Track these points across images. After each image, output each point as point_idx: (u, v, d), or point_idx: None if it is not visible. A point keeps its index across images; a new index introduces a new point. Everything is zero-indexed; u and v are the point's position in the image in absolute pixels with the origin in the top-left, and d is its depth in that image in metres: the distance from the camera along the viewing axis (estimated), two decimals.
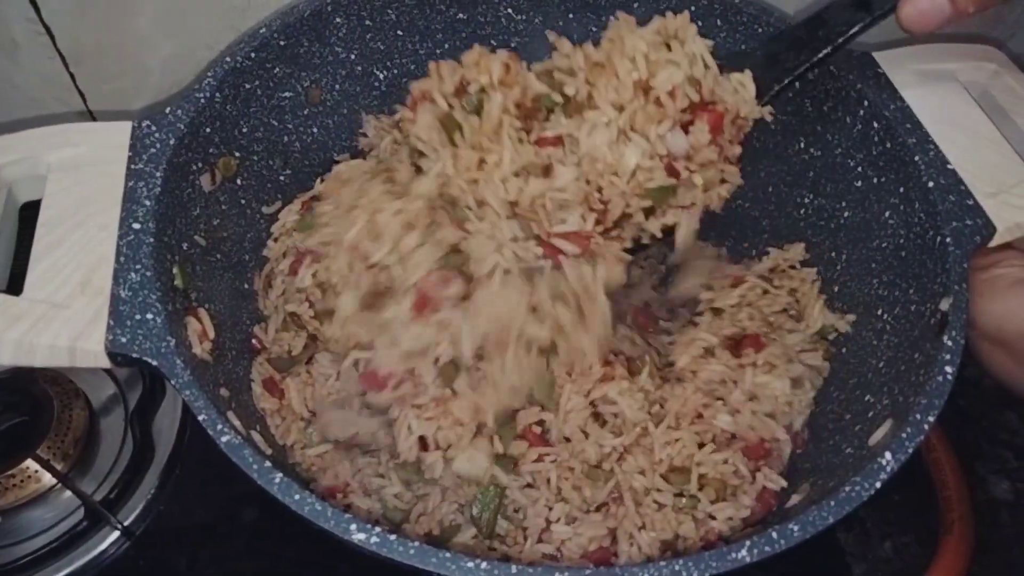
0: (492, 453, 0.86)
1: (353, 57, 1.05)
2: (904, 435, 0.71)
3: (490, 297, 0.84)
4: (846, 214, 0.97)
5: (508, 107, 0.84)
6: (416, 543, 0.62)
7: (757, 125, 0.86)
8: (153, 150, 0.84)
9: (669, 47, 0.81)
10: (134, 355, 0.73)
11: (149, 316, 0.74)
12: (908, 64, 0.95)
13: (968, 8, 0.76)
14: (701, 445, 0.89)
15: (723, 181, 0.87)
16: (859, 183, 0.94)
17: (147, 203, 0.81)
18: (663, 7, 0.94)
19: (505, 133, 0.83)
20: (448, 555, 0.62)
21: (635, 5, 1.04)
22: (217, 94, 0.91)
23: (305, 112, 1.03)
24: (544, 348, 0.86)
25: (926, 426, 0.71)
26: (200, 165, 0.90)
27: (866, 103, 0.92)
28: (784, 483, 0.86)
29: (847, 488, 0.68)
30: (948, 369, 0.74)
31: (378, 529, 0.63)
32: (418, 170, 0.89)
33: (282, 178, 1.03)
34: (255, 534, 0.98)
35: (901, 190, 0.89)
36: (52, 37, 1.07)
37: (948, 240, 0.81)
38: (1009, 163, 0.87)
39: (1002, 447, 1.16)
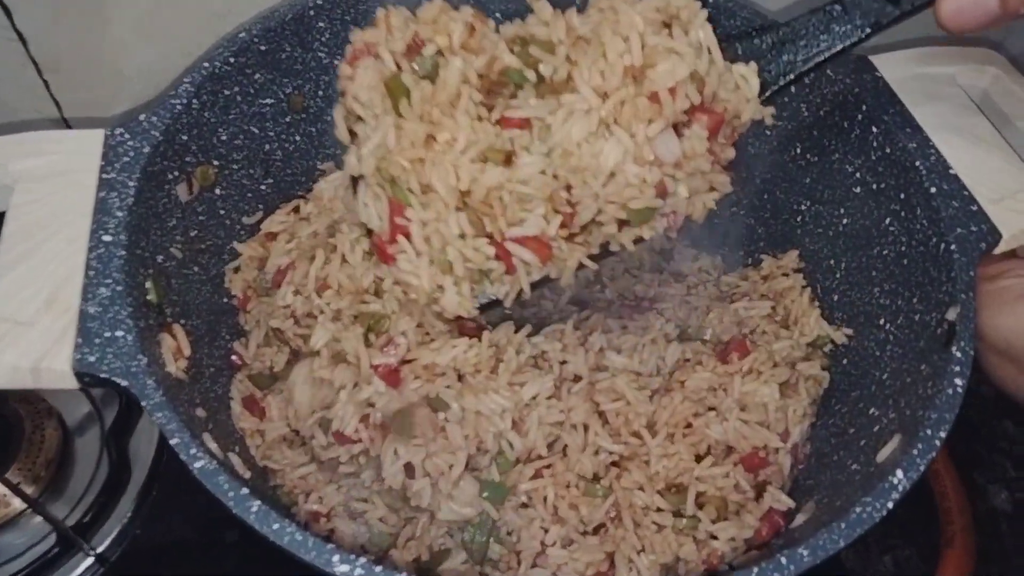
0: (481, 488, 0.79)
1: (337, 62, 0.99)
2: (915, 452, 0.66)
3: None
4: (845, 221, 0.92)
5: (469, 77, 0.71)
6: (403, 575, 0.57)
7: (754, 126, 0.81)
8: (127, 159, 0.79)
9: (670, 29, 0.72)
10: (103, 375, 0.67)
11: (119, 333, 0.69)
12: (906, 67, 0.91)
13: (1020, 8, 0.66)
14: (698, 458, 0.84)
15: (711, 189, 0.78)
16: (858, 189, 0.90)
17: (119, 214, 0.76)
18: None
19: (463, 107, 0.71)
20: None
21: None
22: (195, 100, 0.86)
23: (287, 119, 0.98)
24: None
25: (937, 442, 0.67)
26: (176, 174, 0.85)
27: (864, 107, 0.88)
28: (791, 503, 0.81)
29: (857, 509, 0.64)
30: (958, 382, 0.70)
31: (363, 560, 0.58)
32: (352, 137, 0.77)
33: (263, 187, 0.98)
34: (238, 557, 0.93)
35: (902, 196, 0.85)
36: (25, 43, 1.01)
37: (953, 247, 0.77)
38: (1012, 168, 0.84)
39: (1001, 455, 1.12)
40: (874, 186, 0.88)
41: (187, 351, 0.78)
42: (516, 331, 0.86)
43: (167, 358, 0.75)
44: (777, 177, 1.01)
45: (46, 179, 0.77)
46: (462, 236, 0.73)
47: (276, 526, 0.60)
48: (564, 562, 0.78)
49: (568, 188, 0.72)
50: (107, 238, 0.74)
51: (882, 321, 0.85)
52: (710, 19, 0.74)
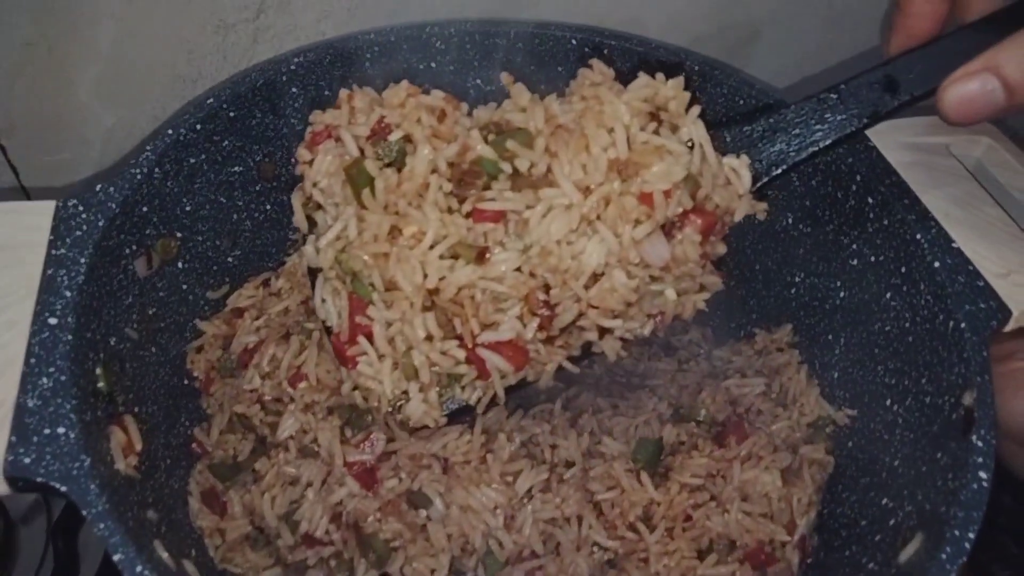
0: None
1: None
2: (944, 556, 0.59)
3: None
4: (842, 294, 0.87)
5: (438, 166, 0.66)
6: None
7: None
8: (79, 232, 0.72)
9: (658, 122, 0.69)
10: (39, 479, 0.59)
11: (61, 430, 0.61)
12: (898, 137, 0.87)
13: None
14: (700, 554, 0.77)
15: (701, 289, 0.73)
16: (855, 261, 0.85)
17: (67, 294, 0.68)
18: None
19: (431, 198, 0.65)
20: None
21: None
22: (157, 169, 0.79)
23: (257, 188, 0.92)
24: None
25: (967, 544, 0.60)
26: (135, 248, 0.77)
27: (858, 177, 0.84)
28: None
29: None
30: (983, 475, 0.63)
31: None
32: (311, 225, 0.71)
33: (230, 259, 0.91)
34: None
35: (903, 270, 0.80)
36: None
37: (963, 325, 0.72)
38: (1014, 240, 0.79)
39: (1000, 532, 1.06)
40: (872, 259, 0.83)
41: (139, 445, 0.69)
42: (508, 416, 0.78)
43: (116, 455, 0.67)
44: (768, 247, 0.95)
45: None
46: (429, 338, 0.67)
47: None
48: None
49: (547, 288, 0.67)
50: (53, 321, 0.66)
51: (888, 402, 0.79)
52: (695, 92, 0.70)
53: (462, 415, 0.73)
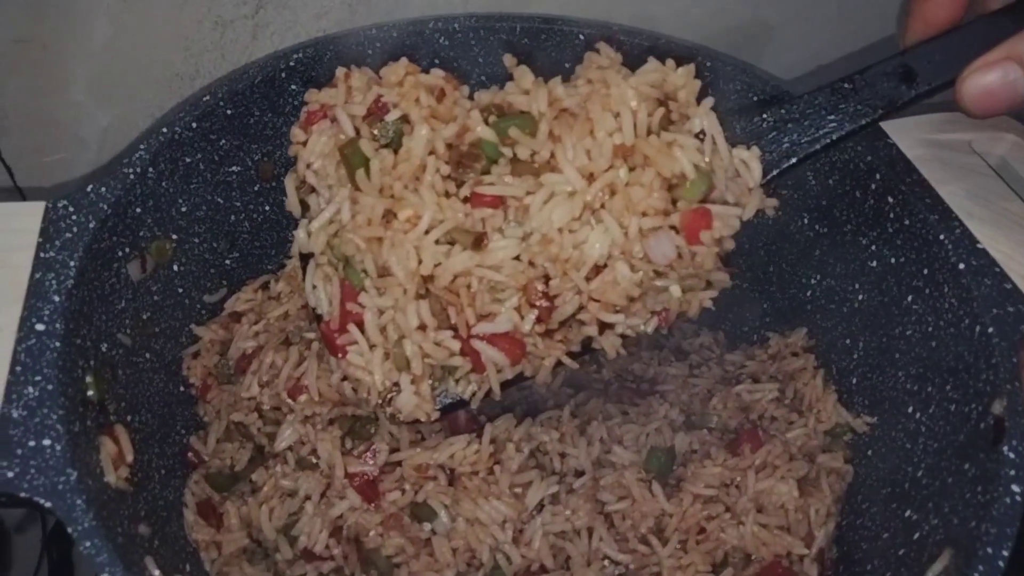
0: None
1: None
2: (975, 575, 0.56)
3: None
4: (860, 297, 0.84)
5: (436, 147, 0.63)
6: None
7: None
8: (69, 235, 0.69)
9: (666, 107, 0.65)
10: (22, 494, 0.56)
11: (46, 442, 0.58)
12: (918, 134, 0.84)
13: None
14: (715, 568, 0.73)
15: (708, 286, 0.69)
16: (874, 263, 0.82)
17: (56, 299, 0.65)
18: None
19: (428, 181, 0.63)
20: None
21: None
22: (151, 169, 0.76)
23: (255, 188, 0.88)
24: None
25: (1000, 562, 0.57)
26: (127, 251, 0.74)
27: (878, 176, 0.80)
28: None
29: None
30: (1016, 489, 0.60)
31: None
32: (304, 209, 0.68)
33: (228, 262, 0.87)
34: None
35: (925, 272, 0.76)
36: None
37: (991, 330, 0.68)
38: None
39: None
40: (892, 260, 0.80)
41: (130, 456, 0.66)
42: (518, 423, 0.75)
43: (106, 467, 0.63)
44: (783, 249, 0.92)
45: None
46: (422, 328, 0.63)
47: None
48: None
49: (546, 279, 0.64)
50: (40, 327, 0.63)
51: (910, 409, 0.76)
52: (706, 84, 0.67)
53: (456, 409, 0.70)
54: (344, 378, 0.68)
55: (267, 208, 0.90)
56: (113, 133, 0.99)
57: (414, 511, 0.68)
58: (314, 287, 0.67)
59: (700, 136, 0.64)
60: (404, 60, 0.67)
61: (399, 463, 0.70)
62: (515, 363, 0.66)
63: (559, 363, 0.69)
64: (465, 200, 0.64)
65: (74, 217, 0.70)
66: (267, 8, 0.95)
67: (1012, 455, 0.62)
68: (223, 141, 0.83)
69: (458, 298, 0.63)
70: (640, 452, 0.78)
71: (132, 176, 0.74)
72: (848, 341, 0.85)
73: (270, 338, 0.79)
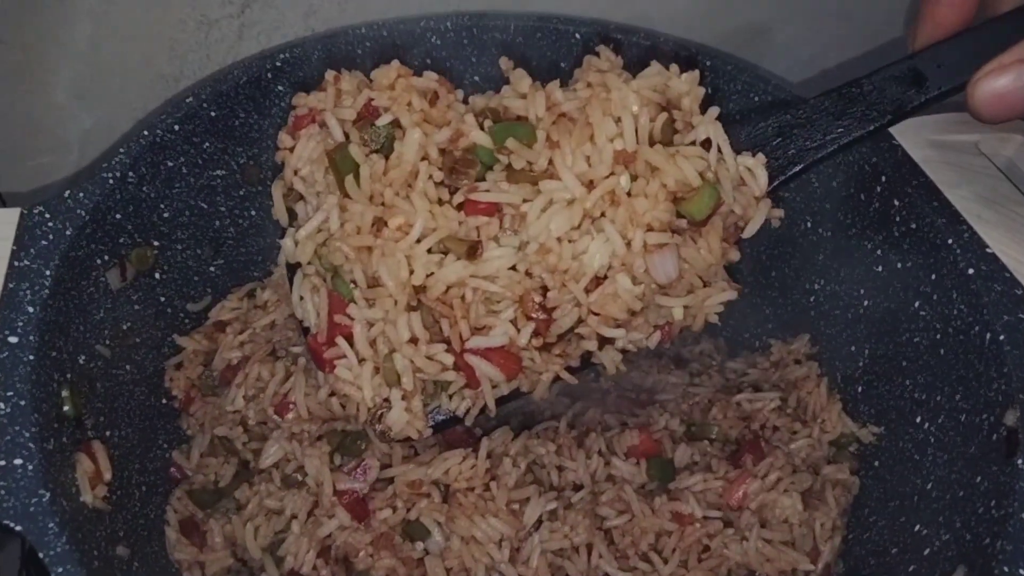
0: None
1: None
2: None
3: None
4: (866, 303, 0.81)
5: (429, 152, 0.61)
6: None
7: None
8: (44, 242, 0.66)
9: (670, 116, 0.63)
10: None
11: (18, 461, 0.55)
12: (924, 135, 0.81)
13: None
14: None
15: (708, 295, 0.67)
16: (879, 268, 0.79)
17: (30, 309, 0.62)
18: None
19: (420, 187, 0.60)
20: None
21: None
22: (131, 173, 0.73)
23: (241, 192, 0.86)
24: None
25: None
26: (107, 258, 0.72)
27: (883, 178, 0.78)
28: None
29: None
30: None
31: None
32: (292, 217, 0.66)
33: (212, 269, 0.85)
34: None
35: (933, 277, 0.74)
36: None
37: (1002, 338, 0.66)
38: None
39: None
40: (899, 265, 0.78)
41: (108, 474, 0.63)
42: (514, 436, 0.72)
43: (82, 485, 0.60)
44: (785, 253, 0.90)
45: None
46: (413, 341, 0.61)
47: None
48: None
49: (544, 290, 0.61)
50: (13, 339, 0.61)
51: (918, 419, 0.73)
52: (709, 90, 0.66)
53: (449, 426, 0.67)
54: (332, 394, 0.65)
55: (253, 213, 0.87)
56: (96, 136, 0.97)
57: (406, 530, 0.66)
58: (301, 298, 0.65)
59: (705, 145, 0.62)
60: (396, 62, 0.65)
61: (391, 479, 0.68)
62: (511, 378, 0.64)
63: (557, 377, 0.67)
64: (459, 208, 0.62)
65: (50, 224, 0.67)
66: (253, 7, 0.92)
67: None
68: (207, 144, 0.81)
69: (451, 310, 0.61)
70: (639, 464, 0.75)
71: (111, 181, 0.72)
72: (853, 348, 0.83)
73: (256, 349, 0.77)
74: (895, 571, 0.67)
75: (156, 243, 0.77)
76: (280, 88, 0.84)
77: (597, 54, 0.66)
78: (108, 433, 0.67)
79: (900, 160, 0.79)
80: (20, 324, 0.61)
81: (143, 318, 0.76)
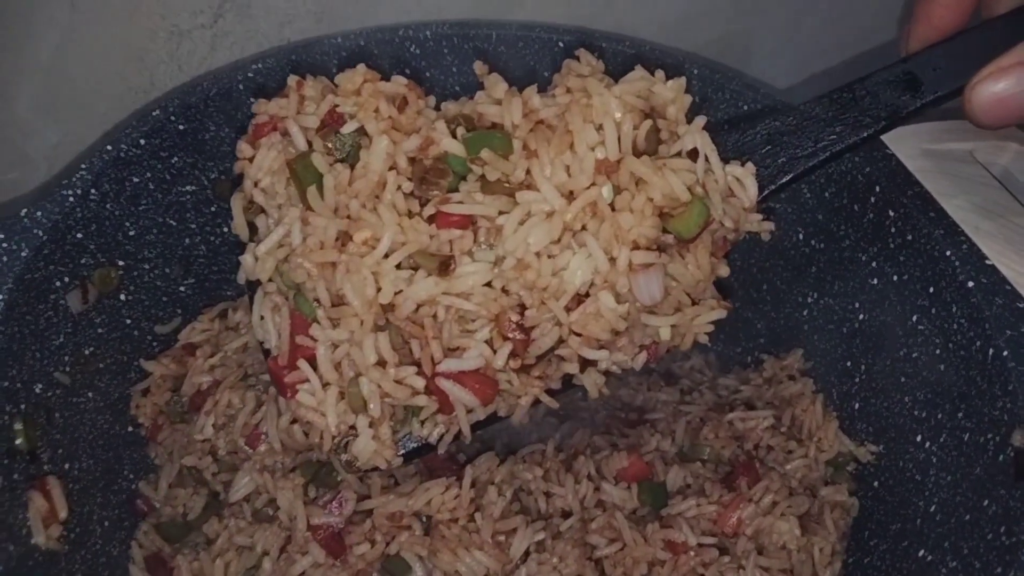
0: None
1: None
2: None
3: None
4: (861, 317, 0.78)
5: (397, 162, 0.57)
6: None
7: None
8: None
9: (654, 122, 0.59)
10: None
11: None
12: (917, 143, 0.79)
13: None
14: None
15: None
16: (875, 281, 0.76)
17: None
18: None
19: (388, 199, 0.56)
20: None
21: None
22: (93, 191, 0.69)
23: (212, 209, 0.81)
24: None
25: None
26: (66, 280, 0.67)
27: (877, 189, 0.75)
28: None
29: None
30: None
31: None
32: (252, 232, 0.62)
33: (182, 289, 0.80)
34: None
35: (931, 290, 0.70)
36: None
37: (1006, 353, 0.62)
38: None
39: None
40: (895, 278, 0.74)
41: (63, 512, 0.59)
42: (500, 461, 0.68)
43: (34, 526, 0.56)
44: (776, 265, 0.86)
45: None
46: (381, 364, 0.57)
47: None
48: None
49: (521, 309, 0.57)
50: None
51: (919, 438, 0.70)
52: (695, 98, 0.62)
53: (421, 455, 0.63)
54: (294, 421, 0.61)
55: (225, 230, 0.82)
56: (65, 151, 0.92)
57: (386, 566, 0.61)
58: (261, 318, 0.60)
59: (691, 155, 0.58)
60: (361, 66, 0.61)
61: (369, 512, 0.63)
62: (487, 403, 0.60)
63: (536, 401, 0.62)
64: (430, 220, 0.57)
65: (4, 245, 0.63)
66: (227, 17, 0.88)
67: None
68: (175, 159, 0.76)
69: (422, 330, 0.57)
70: (630, 488, 0.71)
71: (72, 199, 0.67)
72: (849, 364, 0.79)
73: (227, 373, 0.72)
74: None
75: (121, 263, 0.73)
76: (253, 100, 0.79)
77: (577, 57, 0.62)
78: (67, 466, 0.63)
79: (894, 170, 0.75)
80: None
81: (107, 342, 0.71)
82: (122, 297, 0.73)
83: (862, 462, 0.76)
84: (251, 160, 0.60)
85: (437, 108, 0.61)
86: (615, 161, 0.57)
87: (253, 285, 0.62)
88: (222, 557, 0.64)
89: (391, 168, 0.57)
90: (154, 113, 0.74)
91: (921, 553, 0.64)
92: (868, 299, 0.77)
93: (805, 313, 0.84)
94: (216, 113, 0.78)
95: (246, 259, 0.60)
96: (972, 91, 0.58)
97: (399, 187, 0.57)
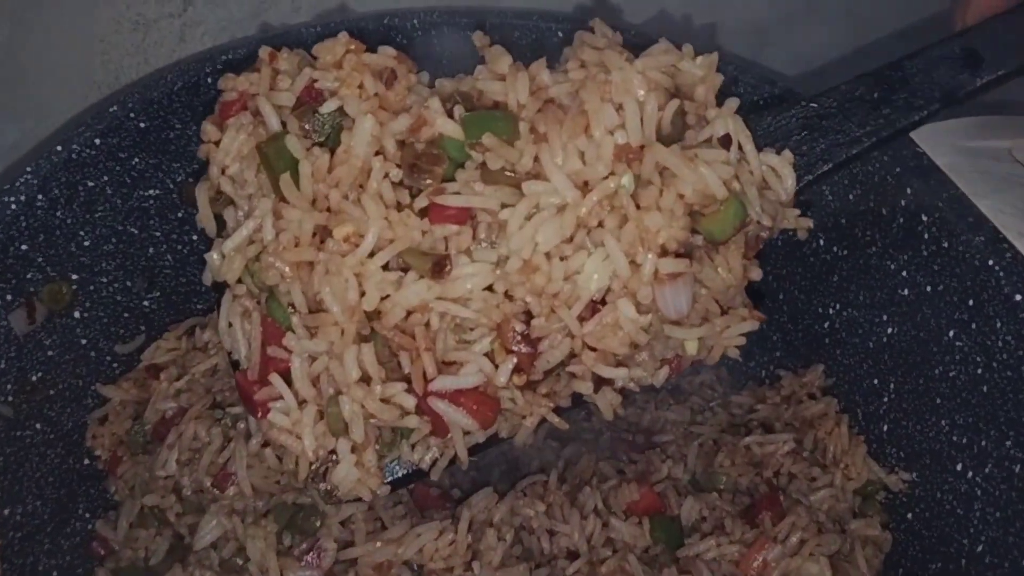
0: None
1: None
2: None
3: None
4: (890, 330, 0.70)
5: (385, 146, 0.50)
6: None
7: None
8: None
9: (681, 103, 0.51)
10: None
11: None
12: (951, 141, 0.71)
13: None
14: None
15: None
16: (905, 291, 0.68)
17: None
18: None
19: (374, 188, 0.49)
20: None
21: None
22: (40, 197, 0.61)
23: (179, 215, 0.73)
24: None
25: None
26: (8, 298, 0.59)
27: (909, 191, 0.67)
28: None
29: None
30: None
31: None
32: (220, 226, 0.54)
33: (146, 303, 0.72)
34: None
35: (971, 303, 0.63)
36: None
37: None
38: None
39: None
40: (928, 288, 0.67)
41: None
42: (499, 498, 0.61)
43: None
44: (794, 273, 0.79)
45: None
46: (365, 380, 0.49)
47: None
48: None
49: (527, 317, 0.50)
50: None
51: (959, 467, 0.62)
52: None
53: (411, 482, 0.56)
54: (265, 444, 0.53)
55: (194, 238, 0.74)
56: (22, 151, 0.84)
57: None
58: (229, 325, 0.53)
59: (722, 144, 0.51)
60: (344, 35, 0.52)
61: (353, 561, 0.55)
62: (486, 426, 0.53)
63: (542, 420, 0.55)
64: (422, 214, 0.50)
65: None
66: (197, 5, 0.80)
67: None
68: (136, 160, 0.68)
69: (413, 341, 0.49)
70: (641, 524, 0.64)
71: (15, 206, 0.59)
72: (876, 381, 0.72)
73: (194, 399, 0.64)
74: None
75: (75, 276, 0.65)
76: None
77: (591, 28, 0.54)
78: (7, 511, 0.54)
79: (926, 169, 0.68)
80: None
81: (58, 366, 0.63)
82: (76, 315, 0.65)
83: (893, 491, 0.68)
84: (217, 144, 0.51)
85: (431, 85, 0.54)
86: (637, 147, 0.49)
87: (221, 287, 0.54)
88: None
89: (377, 153, 0.50)
90: (111, 109, 0.66)
91: None
92: (898, 311, 0.70)
93: (826, 325, 0.77)
94: (182, 109, 0.69)
95: (211, 257, 0.52)
96: None
97: (386, 175, 0.49)
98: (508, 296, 0.50)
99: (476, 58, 0.74)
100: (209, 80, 0.70)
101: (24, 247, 0.60)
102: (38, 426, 0.61)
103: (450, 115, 0.50)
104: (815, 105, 0.58)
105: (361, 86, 0.50)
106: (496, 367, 0.50)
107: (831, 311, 0.76)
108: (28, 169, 0.61)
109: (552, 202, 0.49)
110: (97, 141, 0.65)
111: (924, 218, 0.67)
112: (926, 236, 0.67)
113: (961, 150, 0.71)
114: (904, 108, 0.56)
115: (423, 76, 0.54)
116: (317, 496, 0.53)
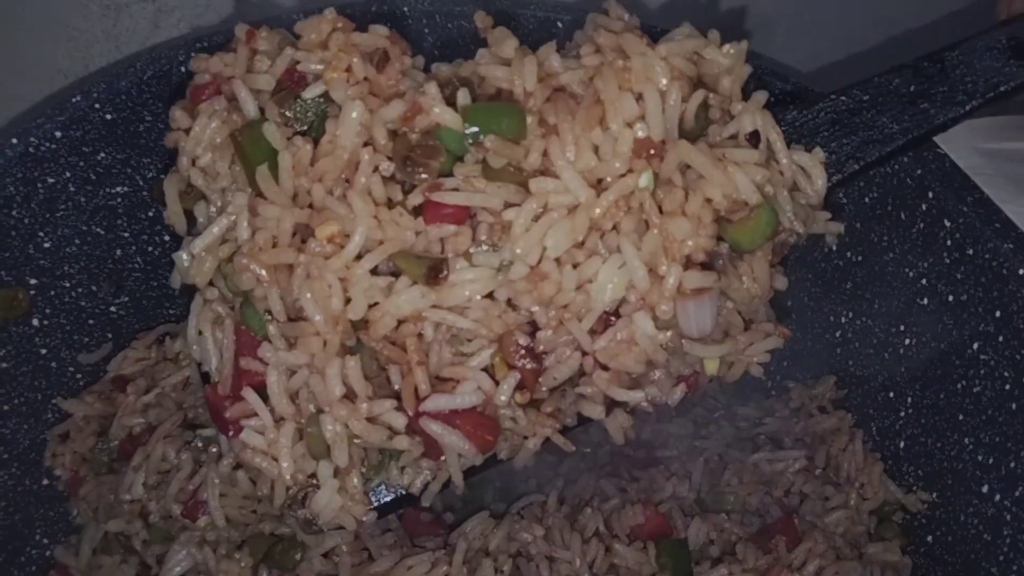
0: None
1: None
2: None
3: None
4: (907, 341, 0.66)
5: (375, 136, 0.45)
6: None
7: None
8: None
9: (707, 95, 0.47)
10: None
11: None
12: (974, 142, 0.67)
13: None
14: None
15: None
16: (925, 300, 0.64)
17: None
18: None
19: (362, 184, 0.44)
20: None
21: None
22: None
23: (150, 214, 0.67)
24: None
25: None
26: None
27: (930, 195, 0.63)
28: None
29: None
30: None
31: None
32: (190, 220, 0.49)
33: (113, 310, 0.66)
34: None
35: (997, 314, 0.58)
36: None
37: None
38: None
39: None
40: (950, 298, 0.62)
41: None
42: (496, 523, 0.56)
43: None
44: (804, 279, 0.74)
45: None
46: (350, 397, 0.44)
47: None
48: None
49: (532, 328, 0.46)
50: None
51: (985, 488, 0.58)
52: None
53: (399, 507, 0.51)
54: (238, 466, 0.48)
55: (166, 239, 0.68)
56: None
57: None
58: (199, 333, 0.47)
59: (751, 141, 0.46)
60: (330, 11, 0.47)
61: None
62: (485, 451, 0.48)
63: (546, 440, 0.50)
64: (416, 212, 0.45)
65: None
66: None
67: None
68: (102, 154, 0.62)
69: (404, 354, 0.45)
70: (646, 548, 0.59)
71: None
72: (891, 395, 0.67)
73: (163, 416, 0.58)
74: None
75: (33, 281, 0.59)
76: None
77: (606, 11, 0.49)
78: None
79: (949, 172, 0.63)
80: None
81: (14, 378, 0.58)
82: (35, 323, 0.59)
83: (911, 512, 0.64)
84: (188, 132, 0.46)
85: (427, 70, 0.48)
86: (659, 143, 0.45)
87: (193, 291, 0.48)
88: None
89: (366, 144, 0.45)
90: (74, 99, 0.60)
91: None
92: (916, 321, 0.65)
93: (838, 335, 0.72)
94: (152, 100, 0.64)
95: (180, 257, 0.47)
96: None
97: (376, 168, 0.44)
98: (511, 305, 0.46)
99: (465, 46, 0.70)
100: (182, 69, 0.65)
101: None
102: None
103: (449, 102, 0.45)
104: (845, 99, 0.53)
105: (349, 69, 0.45)
106: (496, 383, 0.46)
107: (843, 319, 0.72)
108: None
109: (562, 202, 0.44)
110: (58, 134, 0.59)
111: (947, 223, 0.62)
112: (948, 242, 0.62)
113: (983, 152, 0.66)
114: (943, 103, 0.52)
115: (418, 60, 0.49)
116: (296, 525, 0.48)
